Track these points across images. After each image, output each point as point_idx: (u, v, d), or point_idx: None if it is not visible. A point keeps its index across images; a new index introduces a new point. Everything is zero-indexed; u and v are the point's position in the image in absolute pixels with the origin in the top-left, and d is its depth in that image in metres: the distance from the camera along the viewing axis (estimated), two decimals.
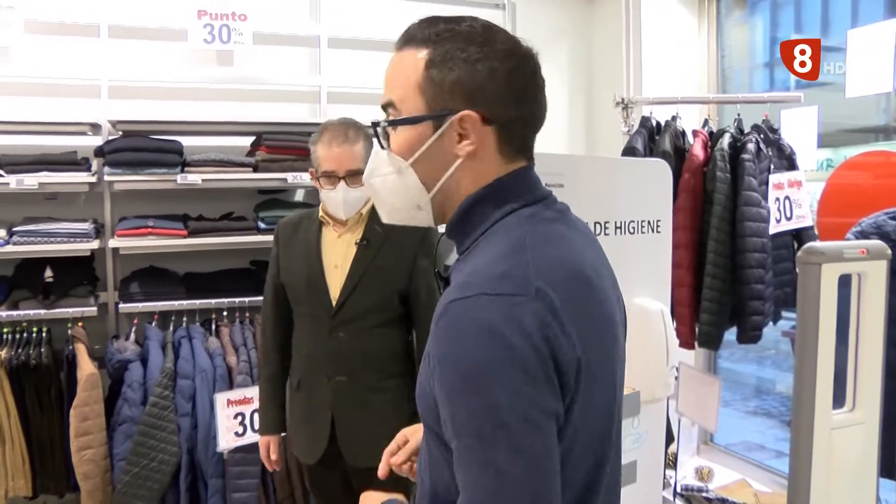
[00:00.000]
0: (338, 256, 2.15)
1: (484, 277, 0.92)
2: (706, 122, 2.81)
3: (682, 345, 2.59)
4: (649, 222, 1.92)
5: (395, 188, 1.07)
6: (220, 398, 2.76)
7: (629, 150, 2.74)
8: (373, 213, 2.16)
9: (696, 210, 2.59)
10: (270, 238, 3.14)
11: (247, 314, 3.22)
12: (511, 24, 3.96)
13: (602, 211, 1.80)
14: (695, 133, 2.76)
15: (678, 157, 2.74)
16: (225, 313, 3.19)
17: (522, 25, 3.99)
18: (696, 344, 2.64)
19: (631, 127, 2.88)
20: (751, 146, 2.59)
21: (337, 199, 2.09)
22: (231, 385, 2.94)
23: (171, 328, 3.09)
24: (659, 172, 1.96)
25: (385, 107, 1.06)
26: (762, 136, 2.65)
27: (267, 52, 3.54)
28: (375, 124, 1.07)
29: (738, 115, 2.77)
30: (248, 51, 3.41)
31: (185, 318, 3.13)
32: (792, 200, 2.76)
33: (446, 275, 1.08)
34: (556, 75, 4.20)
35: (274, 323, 2.28)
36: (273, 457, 2.29)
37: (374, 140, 1.09)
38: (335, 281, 2.12)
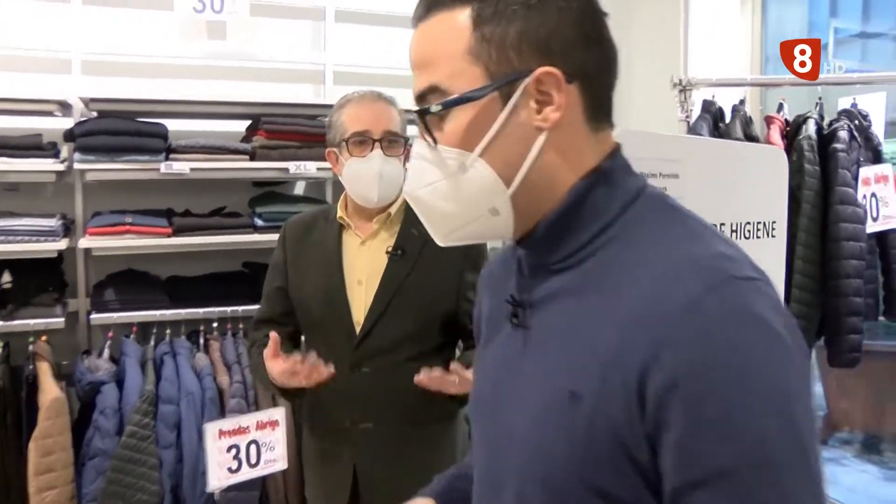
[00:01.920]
0: (362, 269, 1.71)
1: (712, 259, 0.72)
2: (781, 107, 2.42)
3: None
4: (765, 224, 1.51)
5: (456, 194, 0.81)
6: (211, 429, 2.29)
7: None
8: (407, 213, 1.74)
9: None
10: (269, 238, 2.76)
11: (240, 325, 2.78)
12: None
13: (722, 210, 1.39)
14: (769, 119, 2.36)
15: None
16: (215, 325, 2.75)
17: None
18: None
19: (689, 112, 2.48)
20: (843, 134, 2.20)
21: (371, 171, 1.65)
22: (222, 410, 2.51)
23: (152, 342, 2.64)
24: (775, 162, 1.55)
25: (423, 96, 0.81)
26: (856, 122, 2.26)
27: (265, 24, 3.10)
28: (422, 112, 0.81)
29: (820, 99, 2.38)
30: (243, 23, 2.96)
31: (168, 331, 2.69)
32: (878, 198, 2.37)
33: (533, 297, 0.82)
34: None
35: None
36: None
37: (418, 141, 0.83)
38: (359, 301, 1.69)
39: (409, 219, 1.73)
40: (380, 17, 3.27)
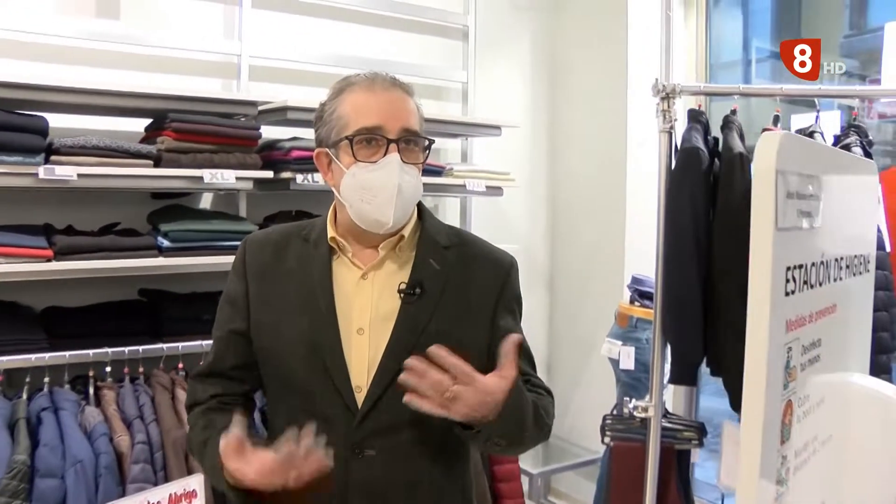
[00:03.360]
0: (362, 312, 1.28)
1: None
2: (777, 119, 2.20)
3: None
4: (864, 258, 1.23)
5: None
6: None
7: (692, 152, 2.07)
8: (422, 237, 1.33)
9: None
10: (176, 262, 2.27)
11: (140, 369, 2.25)
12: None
13: (853, 239, 1.09)
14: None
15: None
16: (108, 369, 2.20)
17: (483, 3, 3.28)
18: None
19: (673, 121, 2.21)
20: (857, 150, 1.99)
21: (386, 184, 1.23)
22: (123, 481, 1.98)
23: (25, 395, 2.06)
24: (869, 180, 1.28)
25: None
26: (865, 139, 2.06)
27: (168, 5, 2.60)
28: None
29: (819, 110, 2.17)
30: (141, 1, 2.46)
31: (46, 379, 2.11)
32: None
33: None
34: (516, 61, 3.52)
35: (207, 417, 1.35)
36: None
37: None
38: (360, 357, 1.26)
39: (425, 245, 1.32)
40: (304, 6, 2.83)
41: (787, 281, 0.86)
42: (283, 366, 1.29)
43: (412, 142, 1.27)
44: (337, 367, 1.24)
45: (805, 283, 0.92)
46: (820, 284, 1.00)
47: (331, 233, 1.31)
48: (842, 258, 1.10)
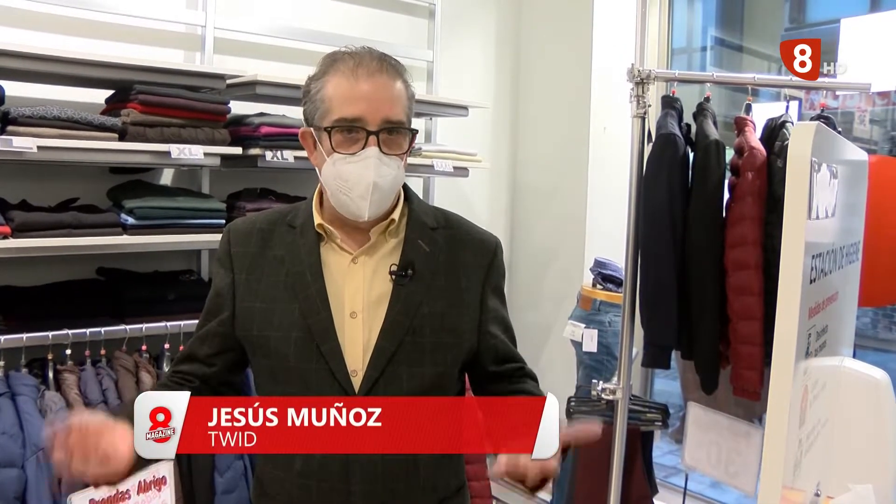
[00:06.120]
0: (354, 296, 1.26)
1: None
2: (749, 108, 2.23)
3: (745, 394, 2.00)
4: (856, 245, 1.27)
5: None
6: (78, 501, 1.74)
7: (669, 138, 2.09)
8: (410, 218, 1.31)
9: (762, 220, 2.00)
10: (141, 241, 2.19)
11: (102, 351, 2.16)
12: None
13: (850, 228, 1.11)
14: (741, 121, 2.16)
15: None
16: (68, 352, 2.10)
17: None
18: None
19: (647, 107, 2.23)
20: None
21: (361, 179, 1.20)
22: None
23: None
24: (864, 170, 1.31)
25: None
26: (836, 131, 2.11)
27: None
28: None
29: (788, 99, 2.22)
30: None
31: (1, 363, 2.01)
32: None
33: None
34: (481, 41, 3.49)
35: None
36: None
37: None
38: (354, 342, 1.24)
39: (414, 227, 1.30)
40: None
41: (812, 269, 0.87)
42: (275, 353, 1.26)
43: (395, 131, 1.23)
44: (331, 350, 1.22)
45: (822, 271, 0.94)
46: (830, 272, 1.02)
47: (317, 220, 1.29)
48: (843, 246, 1.12)
